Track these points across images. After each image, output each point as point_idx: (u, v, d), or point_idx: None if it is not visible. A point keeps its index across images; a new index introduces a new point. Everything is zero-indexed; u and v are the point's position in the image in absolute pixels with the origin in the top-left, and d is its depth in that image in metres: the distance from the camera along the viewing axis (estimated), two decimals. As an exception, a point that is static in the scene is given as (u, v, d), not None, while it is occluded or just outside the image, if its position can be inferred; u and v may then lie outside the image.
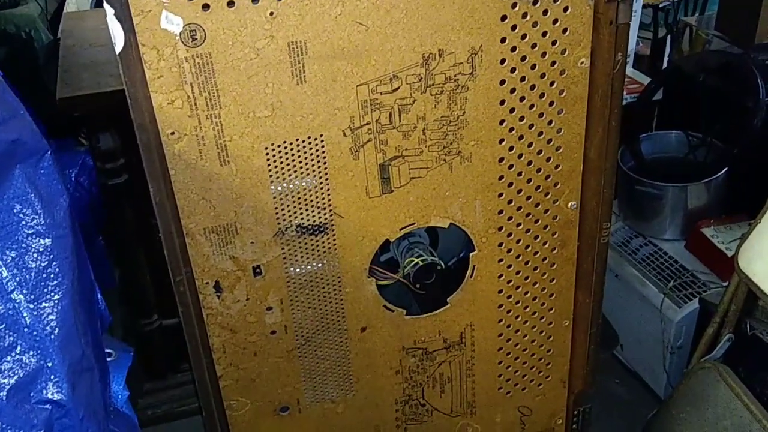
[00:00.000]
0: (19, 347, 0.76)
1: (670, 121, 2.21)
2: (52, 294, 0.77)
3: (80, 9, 3.41)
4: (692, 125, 2.11)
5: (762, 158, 1.88)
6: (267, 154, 0.96)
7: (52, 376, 0.81)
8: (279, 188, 1.00)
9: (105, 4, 0.84)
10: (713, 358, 1.60)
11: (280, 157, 0.97)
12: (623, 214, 2.12)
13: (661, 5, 2.55)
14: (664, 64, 2.57)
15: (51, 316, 0.77)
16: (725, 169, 1.94)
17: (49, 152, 0.81)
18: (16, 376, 0.79)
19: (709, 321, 1.65)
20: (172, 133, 0.91)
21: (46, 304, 0.77)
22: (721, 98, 2.01)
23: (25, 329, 0.76)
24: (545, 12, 0.97)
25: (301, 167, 0.99)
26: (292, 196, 1.01)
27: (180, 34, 0.85)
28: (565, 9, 0.98)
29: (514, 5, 0.95)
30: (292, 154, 0.98)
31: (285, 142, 0.96)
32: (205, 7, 0.85)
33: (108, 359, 1.01)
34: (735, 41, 2.01)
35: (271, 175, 0.98)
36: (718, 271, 1.85)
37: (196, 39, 0.86)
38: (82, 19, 2.19)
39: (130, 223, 1.78)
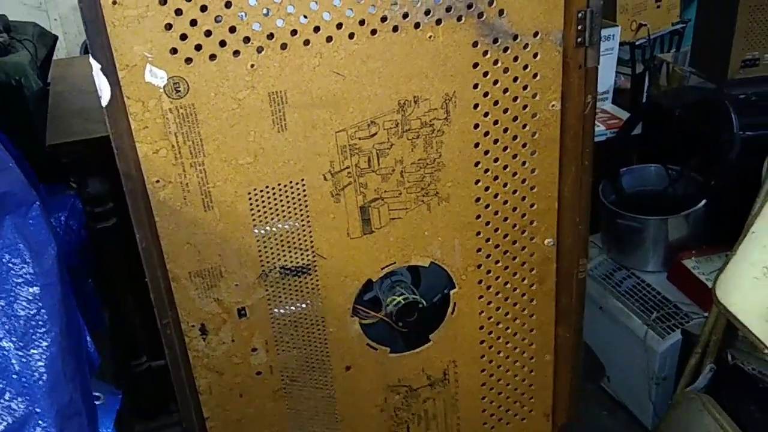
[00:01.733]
0: (7, 394, 0.77)
1: (650, 154, 2.26)
2: (41, 341, 0.79)
3: (69, 54, 3.48)
4: (671, 159, 2.16)
5: (738, 190, 1.93)
6: (250, 199, 0.99)
7: (41, 422, 0.83)
8: (262, 231, 1.02)
9: (91, 59, 0.88)
10: (697, 388, 1.62)
11: (263, 202, 1.00)
12: (606, 247, 2.15)
13: (637, 42, 2.62)
14: (644, 99, 2.63)
15: (39, 363, 0.79)
16: (703, 202, 1.98)
17: (38, 202, 0.84)
18: (4, 423, 0.80)
19: (691, 351, 1.67)
20: (157, 181, 0.94)
21: (35, 351, 0.79)
22: (698, 132, 2.07)
23: (14, 376, 0.78)
24: (516, 58, 1.01)
25: (283, 211, 1.02)
26: (275, 239, 1.03)
27: (164, 86, 0.89)
28: (535, 55, 1.02)
29: (485, 53, 0.99)
30: (275, 199, 1.01)
31: (267, 187, 0.99)
32: (188, 60, 0.89)
33: (96, 402, 1.03)
34: (709, 77, 2.07)
35: (254, 219, 1.01)
36: (699, 301, 1.88)
37: (180, 91, 0.90)
38: (72, 65, 2.23)
39: (119, 265, 1.79)
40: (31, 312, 0.79)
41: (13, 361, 0.77)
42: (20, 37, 2.27)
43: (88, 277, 2.23)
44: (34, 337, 0.79)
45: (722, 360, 1.62)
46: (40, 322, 0.80)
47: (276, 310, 1.08)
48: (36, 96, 2.05)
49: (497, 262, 1.15)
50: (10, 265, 0.78)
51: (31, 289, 0.79)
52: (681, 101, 2.14)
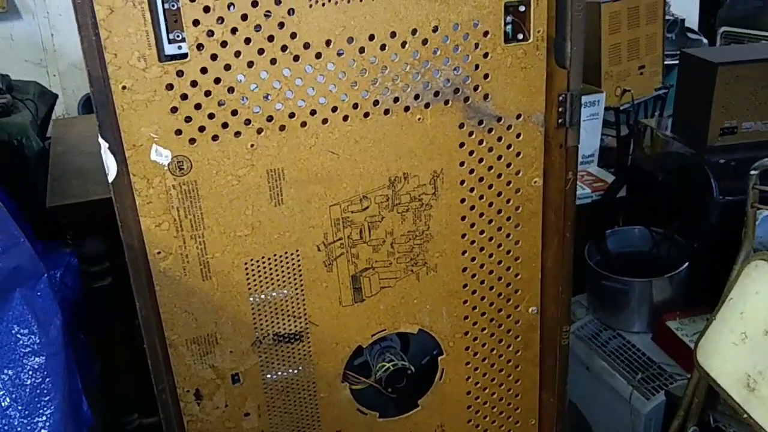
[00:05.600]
0: (11, 461, 0.80)
1: (634, 217, 2.32)
2: (45, 409, 0.83)
3: (68, 108, 3.55)
4: (655, 221, 2.22)
5: (720, 253, 1.98)
6: (246, 268, 1.04)
7: (42, 487, 0.86)
8: (257, 299, 1.07)
9: (100, 138, 0.93)
10: (680, 450, 1.65)
11: (259, 271, 1.05)
12: (592, 308, 2.20)
13: (622, 107, 2.71)
14: (629, 162, 2.71)
15: (43, 430, 0.82)
16: (686, 264, 2.04)
17: (45, 275, 0.88)
18: (7, 489, 0.83)
19: (675, 413, 1.71)
20: (159, 253, 0.99)
21: (39, 419, 0.82)
22: (680, 196, 2.13)
23: (18, 444, 0.81)
24: (500, 138, 1.07)
25: (278, 280, 1.06)
26: (270, 307, 1.08)
27: (168, 165, 0.94)
28: (518, 135, 1.08)
29: (470, 134, 1.06)
30: (270, 268, 1.05)
31: (263, 257, 1.04)
32: (192, 141, 0.94)
33: (92, 465, 1.05)
34: (689, 143, 2.14)
35: (249, 288, 1.05)
36: (683, 363, 1.92)
37: (183, 169, 0.95)
38: (71, 125, 2.29)
39: (114, 323, 1.82)
40: (37, 381, 0.83)
41: (19, 429, 0.81)
42: (22, 96, 2.33)
43: (80, 333, 2.25)
44: (38, 405, 0.83)
45: (704, 423, 1.65)
46: (45, 391, 0.83)
47: (269, 375, 1.11)
48: (36, 155, 2.10)
49: (483, 329, 1.20)
50: (18, 336, 0.82)
51: (37, 359, 0.83)
52: (663, 166, 2.21)
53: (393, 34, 0.97)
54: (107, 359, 1.93)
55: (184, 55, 0.90)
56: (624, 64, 2.74)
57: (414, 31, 0.97)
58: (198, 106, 0.93)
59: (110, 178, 0.94)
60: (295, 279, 1.07)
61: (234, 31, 0.90)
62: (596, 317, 2.18)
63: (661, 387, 1.89)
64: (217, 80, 0.92)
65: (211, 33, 0.90)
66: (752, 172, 1.58)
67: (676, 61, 2.45)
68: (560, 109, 1.09)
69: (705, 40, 3.49)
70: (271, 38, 0.92)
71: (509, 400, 1.27)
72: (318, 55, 0.95)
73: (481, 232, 1.13)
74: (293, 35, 0.93)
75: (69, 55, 3.53)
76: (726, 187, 1.98)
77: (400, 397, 1.20)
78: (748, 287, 1.44)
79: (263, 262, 1.05)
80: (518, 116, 1.07)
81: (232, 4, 0.90)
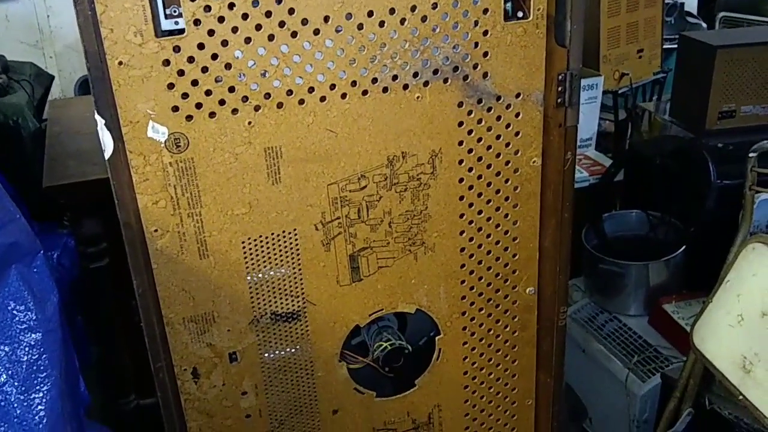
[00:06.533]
0: (8, 437, 0.80)
1: (632, 201, 2.33)
2: (42, 385, 0.83)
3: (64, 91, 3.53)
4: (652, 205, 2.22)
5: (716, 237, 1.98)
6: (244, 247, 1.04)
7: (39, 464, 0.86)
8: (254, 279, 1.06)
9: (96, 115, 0.92)
10: (675, 432, 1.66)
11: (256, 250, 1.05)
12: (589, 291, 2.20)
13: (620, 91, 2.70)
14: (626, 146, 2.70)
15: (40, 407, 0.82)
16: (683, 248, 2.04)
17: (42, 252, 0.88)
18: (4, 465, 0.83)
19: (670, 395, 1.71)
20: (156, 231, 0.98)
21: (36, 396, 0.82)
22: (677, 180, 2.13)
23: (15, 420, 0.81)
24: (499, 118, 1.07)
25: (275, 259, 1.06)
26: (267, 286, 1.07)
27: (165, 142, 0.94)
28: (517, 115, 1.08)
29: (470, 112, 1.05)
30: (268, 247, 1.05)
31: (261, 236, 1.04)
32: (189, 117, 0.94)
33: (89, 444, 1.05)
34: (688, 127, 2.14)
35: (247, 267, 1.05)
36: (679, 346, 1.93)
37: (180, 146, 0.95)
38: (68, 106, 2.28)
39: (111, 304, 1.82)
40: (33, 357, 0.83)
41: (15, 405, 0.80)
42: (18, 77, 2.32)
43: (77, 314, 2.25)
44: (35, 381, 0.83)
45: (700, 405, 1.66)
46: (41, 367, 0.83)
47: (266, 354, 1.11)
48: (32, 136, 2.09)
49: (481, 309, 1.20)
50: (15, 312, 0.82)
51: (33, 336, 0.83)
52: (661, 150, 2.21)
53: (392, 11, 0.96)
54: (105, 340, 1.93)
55: (181, 31, 0.89)
56: (622, 47, 2.73)
57: (413, 8, 0.96)
58: (195, 83, 0.92)
59: (107, 155, 0.94)
60: (292, 258, 1.07)
61: (231, 6, 0.90)
62: (593, 300, 2.18)
63: (656, 369, 1.90)
64: (214, 56, 0.91)
65: (208, 8, 0.89)
66: (751, 155, 1.58)
67: (675, 45, 2.45)
68: (560, 89, 1.08)
69: (704, 25, 3.48)
70: (268, 14, 0.91)
71: (506, 380, 1.27)
72: (316, 32, 0.94)
73: (480, 212, 1.12)
74: (291, 11, 0.92)
75: (65, 36, 3.50)
76: (724, 171, 1.98)
77: (397, 377, 1.20)
78: (745, 269, 1.44)
79: (261, 241, 1.04)
80: (517, 95, 1.06)
81: (229, -21, 0.89)
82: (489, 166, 1.09)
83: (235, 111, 0.95)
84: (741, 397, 1.39)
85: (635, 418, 1.93)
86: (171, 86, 0.91)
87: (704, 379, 1.64)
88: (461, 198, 1.10)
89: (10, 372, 0.80)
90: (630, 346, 1.99)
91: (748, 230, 1.64)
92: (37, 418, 0.82)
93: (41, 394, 0.83)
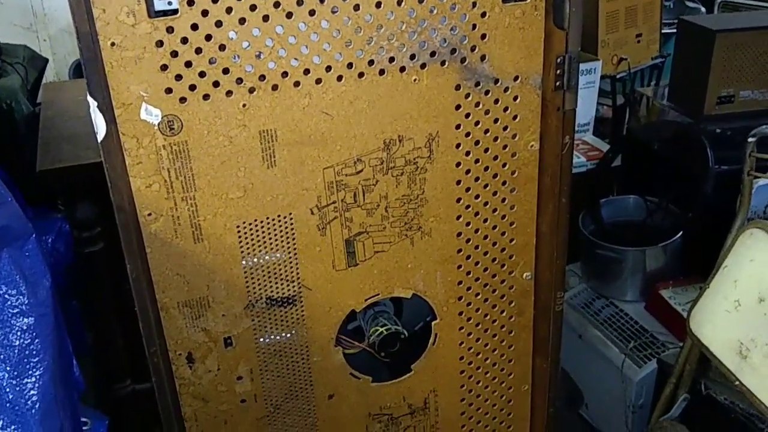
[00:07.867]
0: (0, 422, 0.80)
1: (629, 186, 2.32)
2: (34, 370, 0.82)
3: (59, 74, 3.50)
4: (650, 190, 2.21)
5: (714, 223, 1.98)
6: (239, 231, 1.03)
7: (32, 449, 0.85)
8: (250, 263, 1.06)
9: (89, 97, 0.91)
10: (671, 417, 1.66)
11: (251, 235, 1.04)
12: (586, 277, 2.20)
13: (618, 76, 2.69)
14: (624, 131, 2.69)
15: (32, 392, 0.81)
16: (681, 233, 2.03)
17: (34, 235, 0.87)
18: (-4, 450, 0.82)
19: (666, 381, 1.72)
20: (149, 214, 0.97)
21: (28, 380, 0.81)
22: (675, 165, 2.12)
23: (7, 404, 0.80)
24: (496, 101, 1.06)
25: (271, 243, 1.05)
26: (262, 271, 1.07)
27: (158, 124, 0.92)
28: (515, 98, 1.06)
29: (467, 96, 1.04)
30: (263, 232, 1.04)
31: (256, 220, 1.03)
32: (182, 99, 0.92)
33: (84, 428, 1.05)
34: (686, 112, 2.13)
35: (242, 251, 1.04)
36: (675, 331, 1.93)
37: (174, 129, 0.93)
38: (62, 89, 2.26)
39: (106, 289, 1.81)
40: (26, 342, 0.82)
41: (7, 389, 0.80)
42: (11, 60, 2.29)
43: (72, 299, 2.24)
44: (27, 366, 0.82)
45: (696, 390, 1.67)
46: (33, 352, 0.82)
47: (261, 339, 1.11)
48: (26, 119, 2.07)
49: (477, 294, 1.19)
50: (6, 296, 0.81)
51: (25, 320, 0.82)
52: (659, 135, 2.20)
53: (389, -8, 0.94)
54: (100, 325, 1.92)
55: (175, 11, 0.88)
56: (621, 31, 2.71)
57: (410, -11, 0.95)
58: (188, 64, 0.90)
59: (99, 138, 0.93)
60: (288, 242, 1.06)
61: (226, -14, 0.88)
62: (589, 286, 2.18)
63: (653, 355, 1.90)
64: (208, 37, 0.90)
65: (202, -12, 0.88)
66: (750, 139, 1.58)
67: (674, 30, 2.43)
68: (558, 72, 1.07)
69: (703, 9, 3.46)
70: (263, -6, 0.90)
71: (502, 365, 1.26)
72: (312, 12, 0.92)
73: (476, 197, 1.11)
74: (286, -9, 0.91)
75: (59, 19, 3.47)
76: (722, 157, 1.97)
77: (393, 362, 1.20)
78: (743, 255, 1.44)
79: (256, 225, 1.03)
80: (516, 78, 1.05)
81: (223, -42, 0.87)
82: (486, 150, 1.08)
83: (229, 93, 0.94)
84: (737, 382, 1.39)
85: (631, 404, 1.94)
86: (164, 68, 0.90)
87: (700, 365, 1.64)
88: (458, 182, 1.09)
89: (1, 357, 0.79)
90: (626, 332, 1.99)
91: (746, 216, 1.63)
92: (29, 403, 0.81)
93: (33, 379, 0.82)
